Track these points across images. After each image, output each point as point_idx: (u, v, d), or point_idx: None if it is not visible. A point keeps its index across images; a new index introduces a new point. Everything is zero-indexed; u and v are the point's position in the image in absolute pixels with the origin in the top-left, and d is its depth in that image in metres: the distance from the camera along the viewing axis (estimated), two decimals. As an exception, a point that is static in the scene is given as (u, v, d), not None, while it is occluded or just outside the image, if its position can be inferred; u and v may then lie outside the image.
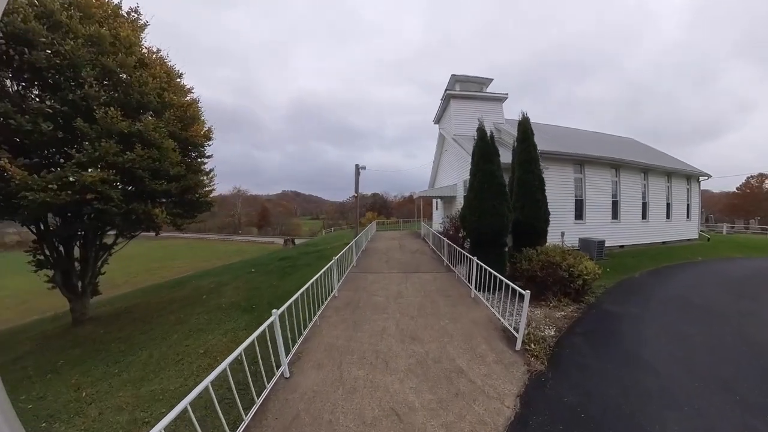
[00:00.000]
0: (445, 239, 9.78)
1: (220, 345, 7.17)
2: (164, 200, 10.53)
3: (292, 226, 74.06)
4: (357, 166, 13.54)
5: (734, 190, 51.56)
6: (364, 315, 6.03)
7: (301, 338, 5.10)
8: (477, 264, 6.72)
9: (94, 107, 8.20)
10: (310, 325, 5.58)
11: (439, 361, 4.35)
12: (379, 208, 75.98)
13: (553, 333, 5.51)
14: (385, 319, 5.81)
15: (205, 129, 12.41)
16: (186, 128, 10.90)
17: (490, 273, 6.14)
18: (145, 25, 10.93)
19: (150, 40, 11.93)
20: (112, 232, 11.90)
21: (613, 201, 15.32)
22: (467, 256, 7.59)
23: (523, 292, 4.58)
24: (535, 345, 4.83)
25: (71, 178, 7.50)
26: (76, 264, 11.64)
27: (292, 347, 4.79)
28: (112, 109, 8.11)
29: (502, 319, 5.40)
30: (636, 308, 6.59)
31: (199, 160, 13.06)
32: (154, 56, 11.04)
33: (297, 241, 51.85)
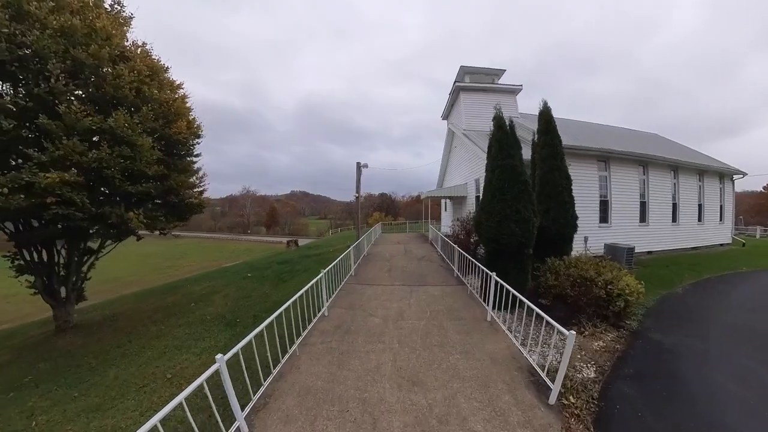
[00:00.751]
0: (456, 246, 8.57)
1: (190, 369, 6.32)
2: (145, 203, 9.64)
3: (299, 226, 74.81)
4: (358, 164, 12.42)
5: (761, 189, 48.77)
6: (355, 344, 4.91)
7: (271, 377, 4.02)
8: (495, 281, 5.52)
9: (57, 102, 7.33)
10: (286, 357, 4.50)
11: (446, 422, 3.21)
12: (387, 208, 74.97)
13: (593, 374, 4.30)
14: (381, 350, 4.68)
15: (194, 126, 11.52)
16: (169, 125, 9.97)
17: (511, 291, 4.95)
18: (130, 18, 10.23)
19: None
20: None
21: (641, 202, 13.85)
22: (481, 268, 6.41)
23: (565, 332, 3.38)
24: (574, 398, 3.64)
25: (26, 180, 6.59)
26: (60, 269, 11.03)
27: (261, 387, 3.76)
28: (75, 103, 7.21)
29: (528, 357, 4.23)
30: (694, 340, 5.30)
31: (188, 159, 12.18)
32: (139, 50, 10.28)
33: (303, 242, 51.59)
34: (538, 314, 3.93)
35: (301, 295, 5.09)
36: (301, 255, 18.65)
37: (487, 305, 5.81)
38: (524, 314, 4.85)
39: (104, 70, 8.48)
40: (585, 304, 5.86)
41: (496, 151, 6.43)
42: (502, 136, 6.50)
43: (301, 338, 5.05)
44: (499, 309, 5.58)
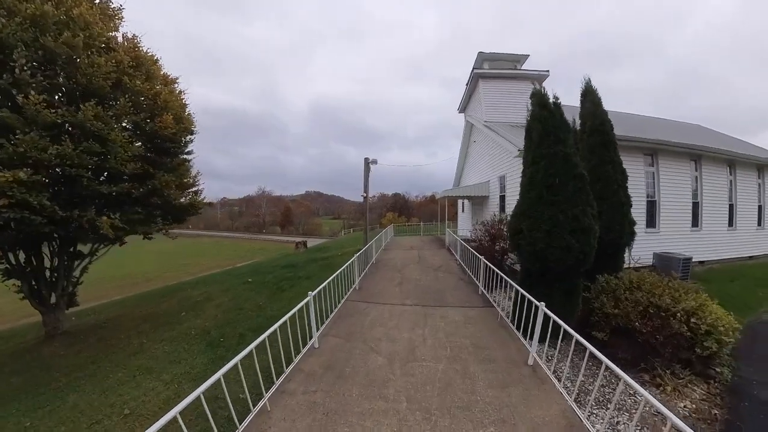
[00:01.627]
0: (483, 258, 7.12)
1: (152, 404, 5.41)
2: (125, 206, 8.66)
3: (313, 226, 75.70)
4: (366, 160, 11.07)
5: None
6: (347, 398, 3.60)
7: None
8: (541, 311, 4.09)
9: (17, 94, 6.41)
10: (251, 416, 3.26)
11: None
12: (400, 209, 73.71)
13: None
14: (382, 412, 3.35)
15: (184, 120, 10.52)
16: (152, 119, 8.98)
17: (562, 326, 3.53)
18: (119, 9, 9.49)
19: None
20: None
21: (693, 203, 11.96)
22: (515, 288, 4.98)
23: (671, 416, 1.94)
24: None
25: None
26: (52, 273, 10.42)
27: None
28: (33, 94, 6.25)
29: (590, 428, 2.80)
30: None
31: (180, 157, 11.22)
32: (127, 43, 9.51)
33: (315, 241, 51.04)
34: (595, 355, 2.50)
35: (289, 319, 3.84)
36: (308, 258, 17.56)
37: (528, 342, 4.39)
38: (570, 348, 3.43)
39: (79, 60, 7.57)
40: (659, 344, 4.34)
41: (540, 135, 4.97)
42: (547, 115, 5.03)
43: (280, 380, 3.79)
44: (540, 341, 4.15)
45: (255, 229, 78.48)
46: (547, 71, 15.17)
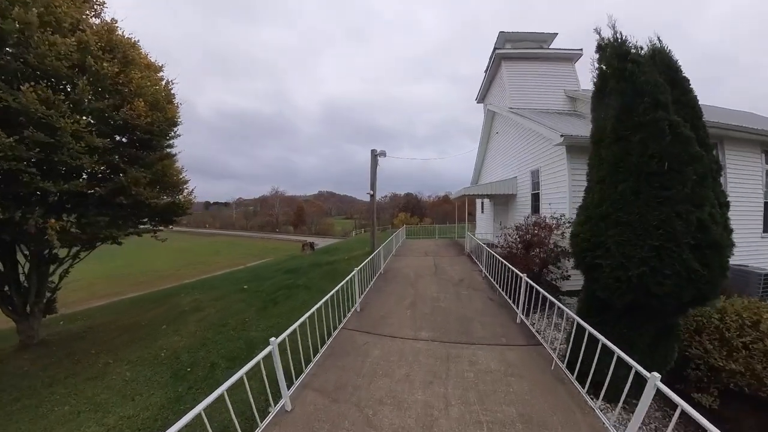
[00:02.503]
0: (524, 277, 5.38)
1: None
2: (86, 207, 7.40)
3: (325, 226, 76.14)
4: (373, 152, 9.46)
5: None
6: None
7: None
8: (652, 385, 2.37)
9: None
10: None
11: None
12: (412, 209, 72.02)
13: None
14: None
15: (162, 110, 9.22)
16: (120, 106, 7.70)
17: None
18: None
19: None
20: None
21: (764, 203, 9.86)
22: (575, 321, 3.28)
23: None
24: None
25: None
26: (24, 279, 9.42)
27: None
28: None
29: None
30: None
31: (162, 150, 9.95)
32: (103, 26, 8.41)
33: (326, 242, 50.23)
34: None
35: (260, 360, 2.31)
36: (312, 262, 16.11)
37: (594, 402, 2.66)
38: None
39: (31, 39, 6.36)
40: None
41: (624, 99, 3.24)
42: (634, 70, 3.29)
43: None
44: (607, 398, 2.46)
45: (269, 229, 79.64)
46: (581, 50, 13.19)
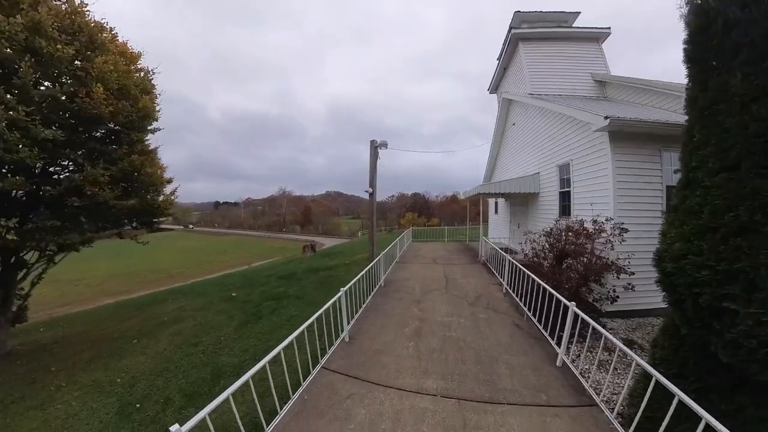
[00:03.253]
0: (573, 306, 3.94)
1: None
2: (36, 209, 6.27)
3: (332, 226, 75.63)
4: (373, 144, 8.03)
5: None
6: None
7: None
8: None
9: None
10: None
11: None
12: (420, 209, 70.53)
13: None
14: None
15: (133, 98, 8.10)
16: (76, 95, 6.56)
17: None
18: None
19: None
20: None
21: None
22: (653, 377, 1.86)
23: None
24: None
25: None
26: None
27: None
28: None
29: None
30: None
31: (138, 143, 8.82)
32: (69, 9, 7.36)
33: (333, 242, 49.38)
34: None
35: None
36: (310, 268, 14.87)
37: None
38: None
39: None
40: None
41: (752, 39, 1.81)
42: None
43: None
44: None
45: (276, 229, 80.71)
46: (608, 29, 11.63)
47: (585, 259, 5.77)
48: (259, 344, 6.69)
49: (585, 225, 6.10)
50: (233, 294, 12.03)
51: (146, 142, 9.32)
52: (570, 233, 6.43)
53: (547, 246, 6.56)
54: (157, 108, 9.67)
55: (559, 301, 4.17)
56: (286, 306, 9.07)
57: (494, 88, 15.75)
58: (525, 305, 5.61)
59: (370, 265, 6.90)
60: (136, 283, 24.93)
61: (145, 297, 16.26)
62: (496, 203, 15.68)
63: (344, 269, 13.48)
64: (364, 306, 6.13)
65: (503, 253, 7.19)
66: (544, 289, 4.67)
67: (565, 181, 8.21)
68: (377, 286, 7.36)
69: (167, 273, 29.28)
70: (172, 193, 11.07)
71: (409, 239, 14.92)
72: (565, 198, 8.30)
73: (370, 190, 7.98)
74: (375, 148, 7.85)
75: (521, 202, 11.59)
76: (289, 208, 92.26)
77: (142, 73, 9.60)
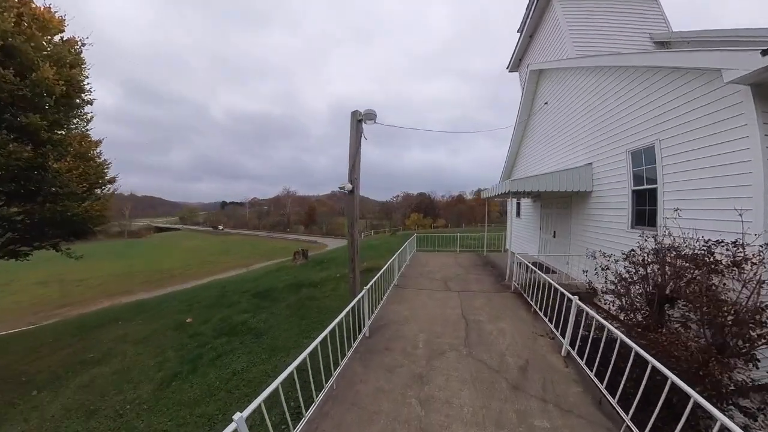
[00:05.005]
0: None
1: None
2: None
3: (335, 226, 74.34)
4: (354, 116, 5.12)
5: None
6: None
7: None
8: None
9: None
10: None
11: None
12: (425, 209, 67.78)
13: None
14: None
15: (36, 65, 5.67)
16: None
17: None
18: None
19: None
20: None
21: None
22: None
23: None
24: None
25: None
26: None
27: None
28: None
29: None
30: None
31: (44, 123, 6.37)
32: None
33: (334, 243, 47.10)
34: None
35: None
36: (294, 282, 12.31)
37: None
38: None
39: None
40: None
41: None
42: None
43: None
44: None
45: (280, 228, 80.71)
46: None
47: (713, 309, 3.10)
48: (169, 430, 4.19)
49: (710, 248, 3.41)
50: (188, 320, 9.55)
51: (76, 131, 6.93)
52: (680, 259, 3.77)
53: (630, 278, 3.90)
54: (87, 88, 7.37)
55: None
56: (237, 350, 6.51)
57: (515, 64, 12.99)
58: (615, 397, 2.95)
59: (349, 307, 4.29)
60: (136, 284, 25.39)
61: (104, 313, 13.88)
62: (518, 204, 12.91)
63: (332, 286, 10.90)
64: (333, 377, 3.55)
65: (568, 294, 4.47)
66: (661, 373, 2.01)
67: (641, 175, 5.50)
68: (358, 338, 4.72)
69: (169, 273, 29.70)
70: (111, 195, 8.71)
71: (413, 248, 12.23)
72: (641, 199, 5.58)
73: (349, 186, 5.25)
74: (357, 121, 5.15)
75: (561, 203, 8.84)
76: (293, 208, 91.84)
77: (57, 39, 7.25)
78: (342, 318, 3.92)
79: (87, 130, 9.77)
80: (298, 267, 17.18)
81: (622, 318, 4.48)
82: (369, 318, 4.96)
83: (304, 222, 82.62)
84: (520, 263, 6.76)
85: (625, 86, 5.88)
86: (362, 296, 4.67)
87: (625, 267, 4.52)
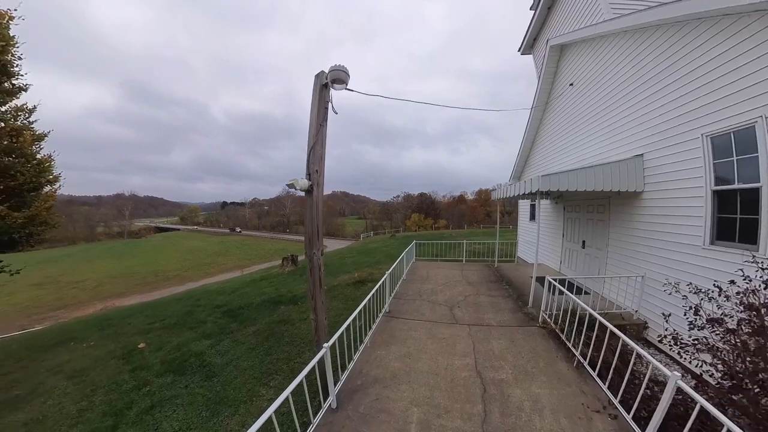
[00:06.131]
0: None
1: None
2: None
3: (336, 226, 73.23)
4: (318, 79, 3.58)
5: None
6: None
7: None
8: None
9: None
10: None
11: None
12: (426, 210, 66.10)
13: None
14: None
15: None
16: None
17: None
18: None
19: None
20: None
21: None
22: None
23: None
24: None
25: None
26: None
27: None
28: None
29: None
30: None
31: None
32: None
33: (335, 244, 45.69)
34: None
35: None
36: (273, 296, 10.70)
37: None
38: None
39: None
40: None
41: None
42: None
43: None
44: None
45: (280, 229, 79.83)
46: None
47: None
48: None
49: None
50: (141, 345, 7.96)
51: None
52: None
53: (741, 328, 2.29)
54: (16, 72, 5.93)
55: None
56: (178, 399, 4.94)
57: (528, 46, 11.33)
58: None
59: (301, 376, 2.67)
60: (131, 286, 25.34)
61: (64, 329, 12.29)
62: (533, 206, 11.25)
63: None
64: None
65: (644, 353, 2.84)
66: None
67: (730, 170, 3.86)
68: (320, 413, 3.11)
69: (165, 276, 29.46)
70: (48, 197, 7.19)
71: (412, 257, 10.59)
72: (728, 204, 3.94)
73: (305, 183, 3.39)
74: (322, 87, 3.47)
75: (591, 206, 7.19)
76: (293, 208, 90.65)
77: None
78: (289, 393, 2.31)
79: (30, 123, 8.27)
80: (285, 274, 15.57)
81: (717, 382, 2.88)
82: (340, 378, 3.34)
83: (304, 223, 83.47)
84: (550, 285, 5.11)
85: (702, 44, 4.23)
86: (325, 355, 3.03)
87: (718, 305, 2.90)
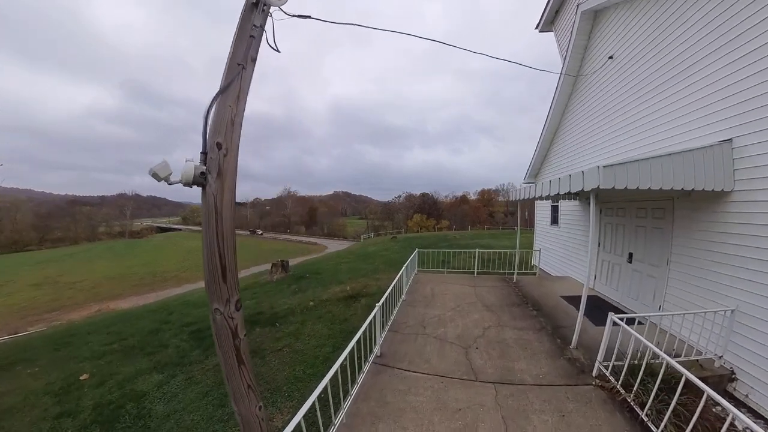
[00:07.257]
0: None
1: None
2: None
3: (337, 227, 73.03)
4: (252, 5, 2.30)
5: None
6: None
7: None
8: None
9: None
10: None
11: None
12: (429, 210, 64.65)
13: None
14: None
15: None
16: None
17: None
18: None
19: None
20: None
21: None
22: None
23: None
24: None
25: None
26: None
27: None
28: None
29: None
30: None
31: None
32: None
33: (335, 245, 44.33)
34: None
35: None
36: (252, 313, 9.32)
37: None
38: None
39: None
40: None
41: None
42: None
43: None
44: None
45: (281, 229, 79.04)
46: None
47: None
48: None
49: None
50: (84, 377, 6.56)
51: None
52: None
53: None
54: None
55: None
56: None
57: (549, 20, 9.79)
58: None
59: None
60: (128, 287, 25.22)
61: (14, 348, 10.82)
62: (554, 208, 9.72)
63: (294, 327, 7.87)
64: None
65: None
66: None
67: None
68: None
69: (162, 276, 29.20)
70: None
71: (414, 269, 9.09)
72: None
73: (190, 170, 1.72)
74: (251, 5, 2.13)
75: (643, 209, 5.66)
76: (294, 208, 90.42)
77: None
78: None
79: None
80: (273, 284, 14.12)
81: None
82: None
83: (305, 223, 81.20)
84: (610, 320, 3.59)
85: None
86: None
87: None
